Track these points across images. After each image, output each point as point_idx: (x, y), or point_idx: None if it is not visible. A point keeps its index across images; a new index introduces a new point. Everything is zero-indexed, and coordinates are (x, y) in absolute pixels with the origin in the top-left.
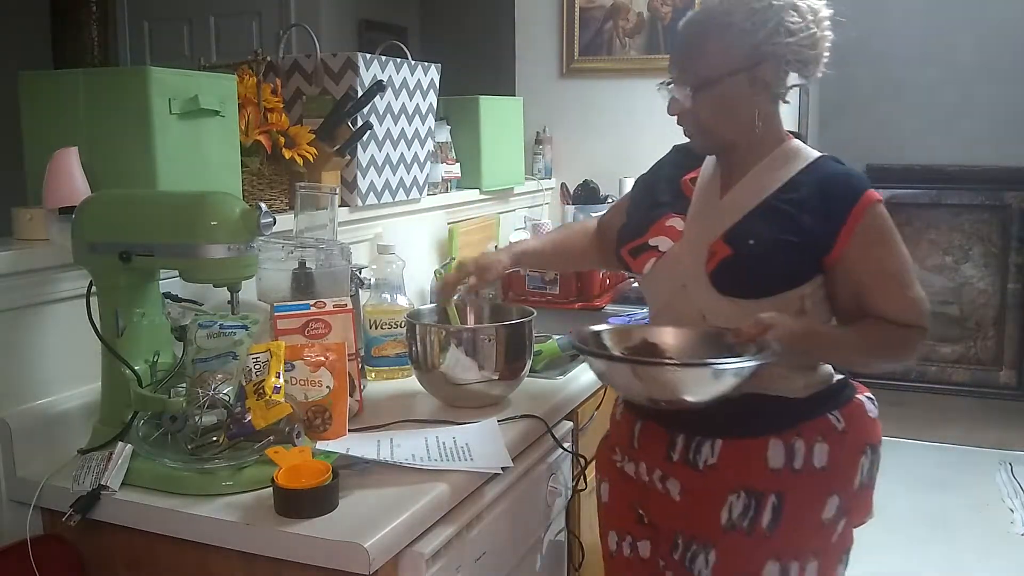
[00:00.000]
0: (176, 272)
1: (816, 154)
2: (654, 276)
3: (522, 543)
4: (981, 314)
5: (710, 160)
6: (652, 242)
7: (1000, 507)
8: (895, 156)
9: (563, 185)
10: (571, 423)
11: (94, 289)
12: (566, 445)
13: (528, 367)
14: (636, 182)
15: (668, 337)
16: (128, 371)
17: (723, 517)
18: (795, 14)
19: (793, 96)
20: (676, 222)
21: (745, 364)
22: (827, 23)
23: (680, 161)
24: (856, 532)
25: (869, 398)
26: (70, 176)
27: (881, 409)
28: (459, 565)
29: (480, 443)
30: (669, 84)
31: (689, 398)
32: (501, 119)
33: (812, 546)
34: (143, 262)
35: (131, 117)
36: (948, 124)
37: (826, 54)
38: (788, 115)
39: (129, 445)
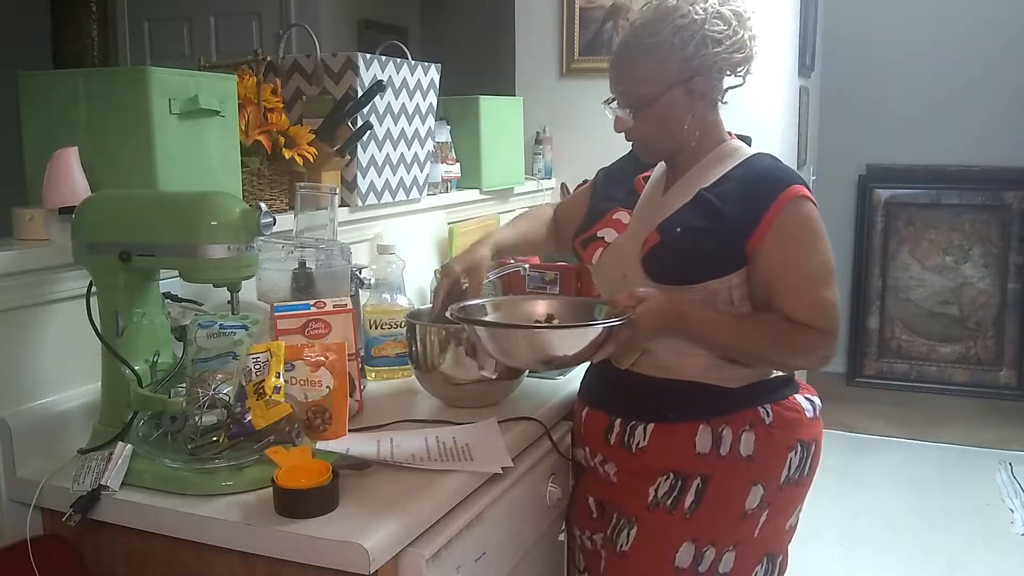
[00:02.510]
0: (176, 272)
1: (752, 152)
2: (601, 265)
3: (522, 543)
4: (981, 314)
5: (662, 163)
6: (599, 233)
7: (1000, 507)
8: (895, 156)
9: (563, 185)
10: (571, 423)
11: (94, 289)
12: (563, 448)
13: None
14: (597, 174)
15: (544, 307)
16: (128, 371)
17: (650, 495)
18: (719, 22)
19: (793, 96)
20: (622, 215)
21: (592, 326)
22: (751, 22)
23: (638, 159)
24: (856, 531)
25: (809, 399)
26: (70, 176)
27: (881, 409)
28: (459, 565)
29: (480, 443)
30: (612, 102)
31: (557, 354)
32: (501, 119)
33: (732, 535)
34: (143, 262)
35: (131, 117)
36: (948, 124)
37: (757, 49)
38: (789, 114)
39: (129, 445)
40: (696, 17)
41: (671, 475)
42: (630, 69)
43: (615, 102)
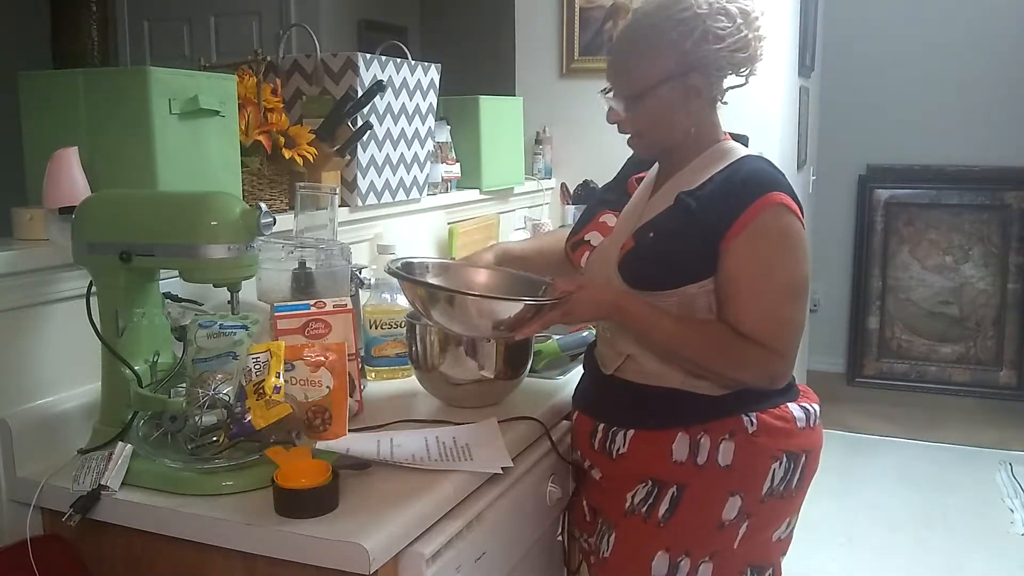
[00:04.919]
0: (176, 272)
1: (743, 153)
2: (588, 269)
3: (522, 543)
4: (981, 314)
5: (656, 164)
6: (587, 237)
7: (1000, 507)
8: (895, 156)
9: (563, 185)
10: (570, 423)
11: (94, 289)
12: (563, 448)
13: (528, 367)
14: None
15: (483, 277)
16: (128, 371)
17: (627, 501)
18: (723, 19)
19: (793, 96)
20: (609, 218)
21: (523, 301)
22: (758, 22)
23: (636, 161)
24: (856, 531)
25: (804, 407)
26: (70, 176)
27: (881, 409)
28: (459, 565)
29: (480, 443)
30: (609, 93)
31: (475, 320)
32: (501, 119)
33: (708, 546)
34: (143, 262)
35: (131, 117)
36: (948, 124)
37: (762, 51)
38: (789, 114)
39: (129, 445)
40: (699, 12)
41: (649, 482)
42: (625, 59)
43: (611, 92)
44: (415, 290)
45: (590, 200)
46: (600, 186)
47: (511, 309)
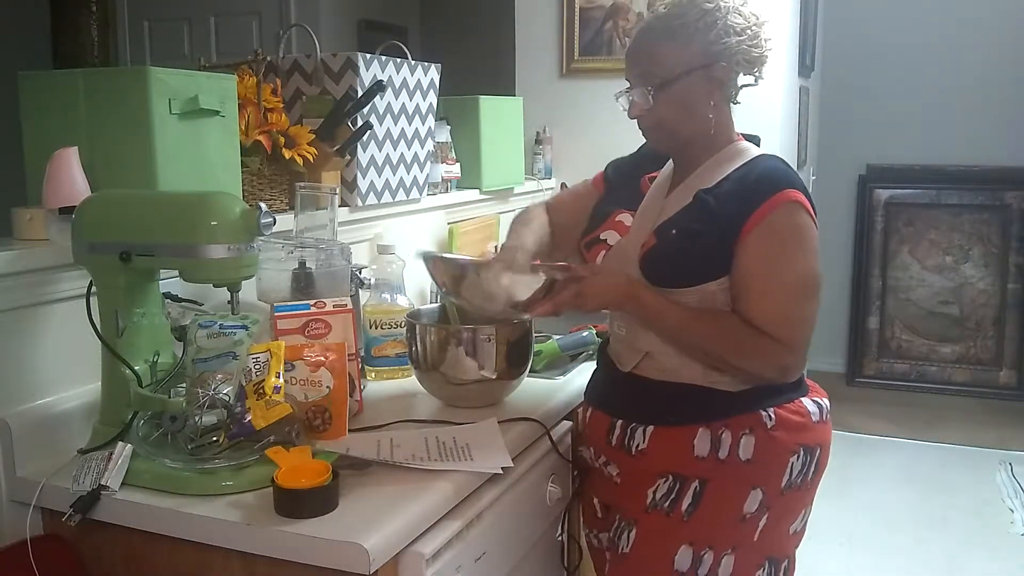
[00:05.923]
0: (176, 272)
1: (757, 152)
2: (604, 267)
3: (522, 543)
4: (981, 314)
5: (670, 163)
6: (603, 236)
7: (1000, 507)
8: (895, 156)
9: (563, 185)
10: (571, 423)
11: (94, 289)
12: (563, 448)
13: (528, 367)
14: (607, 168)
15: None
16: (128, 371)
17: (648, 497)
18: (739, 16)
19: (793, 96)
20: (625, 217)
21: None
22: (766, 26)
23: (648, 159)
24: (856, 531)
25: (816, 402)
26: (70, 176)
27: (881, 409)
28: (459, 565)
29: (480, 443)
30: (627, 91)
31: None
32: (501, 119)
33: (730, 539)
34: (143, 262)
35: (131, 117)
36: (948, 124)
37: (768, 55)
38: (789, 114)
39: (129, 445)
40: (721, 4)
41: (670, 477)
42: (653, 49)
43: (629, 90)
44: (442, 265)
45: (608, 183)
46: (610, 165)
47: (526, 289)
